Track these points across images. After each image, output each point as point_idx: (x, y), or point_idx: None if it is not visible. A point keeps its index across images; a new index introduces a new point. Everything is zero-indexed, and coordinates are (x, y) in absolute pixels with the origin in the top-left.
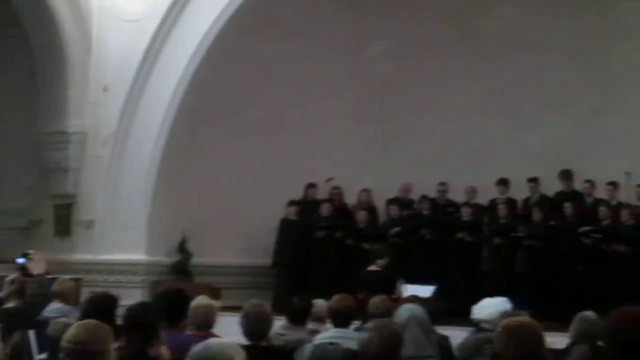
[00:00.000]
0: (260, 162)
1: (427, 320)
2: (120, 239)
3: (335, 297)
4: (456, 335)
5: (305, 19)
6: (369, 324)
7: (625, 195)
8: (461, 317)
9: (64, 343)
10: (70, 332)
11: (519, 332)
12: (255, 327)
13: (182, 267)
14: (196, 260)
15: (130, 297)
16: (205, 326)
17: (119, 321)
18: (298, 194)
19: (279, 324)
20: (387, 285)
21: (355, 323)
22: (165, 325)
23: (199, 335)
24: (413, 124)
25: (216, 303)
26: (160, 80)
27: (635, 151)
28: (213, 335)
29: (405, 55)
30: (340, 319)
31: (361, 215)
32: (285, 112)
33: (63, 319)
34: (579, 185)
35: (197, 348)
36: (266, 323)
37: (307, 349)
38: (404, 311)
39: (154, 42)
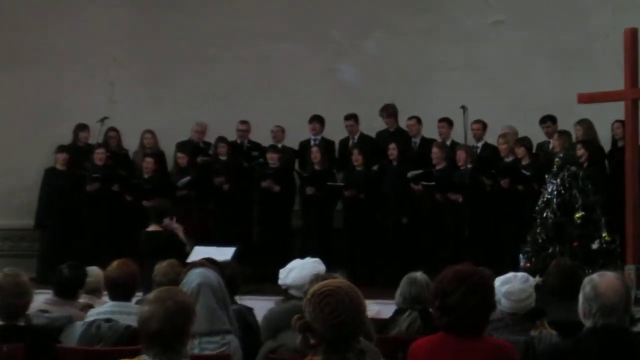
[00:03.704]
0: (15, 100)
1: (223, 288)
2: None
3: (114, 264)
4: (262, 306)
5: None
6: (151, 295)
7: (461, 133)
8: (269, 283)
9: None
10: None
11: (332, 298)
12: (9, 303)
13: None
14: None
15: None
16: None
17: None
18: (67, 139)
19: (43, 298)
20: (173, 249)
21: (139, 295)
22: None
23: None
24: (201, 51)
25: None
26: None
27: (472, 80)
28: None
29: None
30: (119, 290)
31: (147, 163)
32: (43, 39)
33: None
34: (404, 122)
35: None
36: (23, 297)
37: (78, 327)
38: (193, 277)
39: None
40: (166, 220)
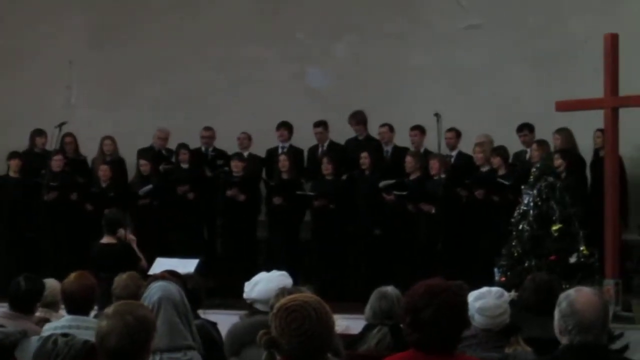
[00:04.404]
0: None
1: (185, 302)
2: None
3: (71, 276)
4: (226, 321)
5: None
6: (109, 309)
7: (434, 142)
8: (234, 297)
9: None
10: None
11: (298, 313)
12: None
13: None
14: None
15: None
16: None
17: None
18: (22, 144)
19: None
20: (130, 263)
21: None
22: None
23: None
24: (164, 54)
25: None
26: None
27: (446, 86)
28: None
29: None
30: (77, 304)
31: (103, 171)
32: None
33: None
34: (374, 130)
35: None
36: None
37: (33, 342)
38: (154, 291)
39: None
40: (121, 231)
